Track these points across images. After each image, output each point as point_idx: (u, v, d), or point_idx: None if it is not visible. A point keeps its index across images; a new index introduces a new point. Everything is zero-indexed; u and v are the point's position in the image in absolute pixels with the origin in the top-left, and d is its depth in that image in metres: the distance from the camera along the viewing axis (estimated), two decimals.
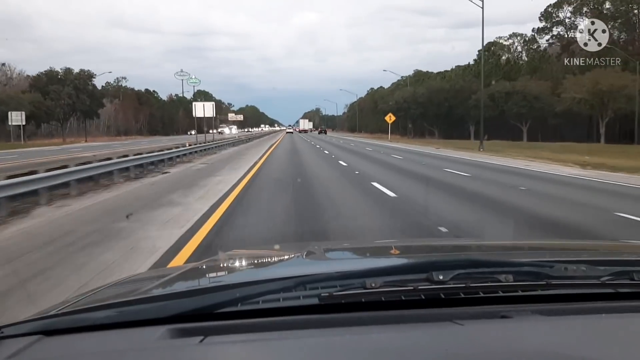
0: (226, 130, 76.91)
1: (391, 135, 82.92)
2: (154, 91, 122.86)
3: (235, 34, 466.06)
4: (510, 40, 73.50)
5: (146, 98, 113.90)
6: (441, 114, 72.00)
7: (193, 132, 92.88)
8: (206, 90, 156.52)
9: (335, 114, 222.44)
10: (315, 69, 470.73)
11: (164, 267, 4.52)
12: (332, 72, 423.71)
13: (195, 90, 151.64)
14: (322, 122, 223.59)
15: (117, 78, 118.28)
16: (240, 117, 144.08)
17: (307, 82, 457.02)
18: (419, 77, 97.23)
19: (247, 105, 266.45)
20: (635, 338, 1.04)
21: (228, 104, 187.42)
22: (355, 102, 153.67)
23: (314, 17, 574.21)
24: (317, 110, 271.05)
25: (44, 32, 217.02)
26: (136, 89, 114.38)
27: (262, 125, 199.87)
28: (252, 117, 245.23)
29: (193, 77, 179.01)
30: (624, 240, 4.73)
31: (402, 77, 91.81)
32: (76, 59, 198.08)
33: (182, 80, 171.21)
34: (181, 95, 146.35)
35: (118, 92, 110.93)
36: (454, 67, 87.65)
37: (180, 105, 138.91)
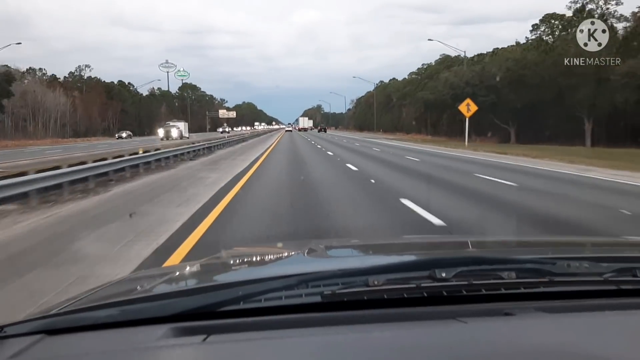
0: (160, 132, 51.79)
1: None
2: (129, 83, 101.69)
3: (236, 32, 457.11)
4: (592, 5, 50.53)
5: (117, 91, 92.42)
6: (534, 103, 42.69)
7: (124, 135, 69.91)
8: (195, 84, 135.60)
9: (337, 112, 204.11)
10: (315, 67, 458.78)
11: (165, 266, 4.39)
12: (332, 71, 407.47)
13: (182, 83, 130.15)
14: (324, 120, 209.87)
15: (79, 66, 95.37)
16: (232, 114, 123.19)
17: (307, 80, 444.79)
18: (447, 63, 75.54)
19: (243, 102, 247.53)
20: (637, 335, 1.04)
21: (221, 99, 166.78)
22: (368, 93, 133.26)
23: (314, 15, 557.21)
24: (319, 108, 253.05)
25: (42, 31, 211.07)
26: (107, 80, 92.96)
27: (257, 124, 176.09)
28: (249, 114, 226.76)
29: (181, 69, 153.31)
30: (627, 236, 4.54)
31: (460, 53, 61.91)
32: (75, 58, 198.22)
33: (167, 72, 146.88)
34: (165, 89, 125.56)
35: (79, 83, 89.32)
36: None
37: (163, 101, 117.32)
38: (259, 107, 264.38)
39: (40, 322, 1.10)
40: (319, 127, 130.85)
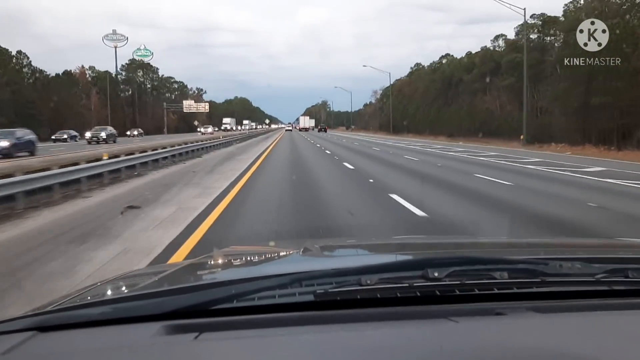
0: None
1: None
2: (18, 52, 61.47)
3: (239, 30, 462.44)
4: None
5: None
6: None
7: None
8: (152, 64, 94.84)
9: (346, 110, 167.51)
10: (319, 66, 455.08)
11: (159, 264, 4.38)
12: (336, 70, 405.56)
13: (129, 61, 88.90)
14: (330, 118, 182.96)
15: None
16: (203, 107, 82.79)
17: (310, 80, 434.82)
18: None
19: (235, 97, 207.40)
20: (629, 335, 1.03)
21: (197, 89, 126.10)
22: (399, 81, 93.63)
23: (320, 13, 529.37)
24: (324, 104, 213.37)
25: (44, 28, 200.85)
26: None
27: (227, 121, 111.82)
28: (242, 111, 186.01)
29: (142, 46, 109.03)
30: (620, 237, 4.45)
31: None
32: (77, 56, 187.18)
33: (115, 47, 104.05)
34: (103, 70, 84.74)
35: None
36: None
37: (93, 86, 75.80)
38: (255, 104, 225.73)
39: (32, 319, 1.09)
40: (319, 127, 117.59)
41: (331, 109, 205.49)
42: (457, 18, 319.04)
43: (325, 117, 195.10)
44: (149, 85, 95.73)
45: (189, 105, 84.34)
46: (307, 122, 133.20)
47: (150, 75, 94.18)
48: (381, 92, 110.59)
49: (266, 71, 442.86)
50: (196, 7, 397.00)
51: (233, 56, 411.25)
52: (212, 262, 1.83)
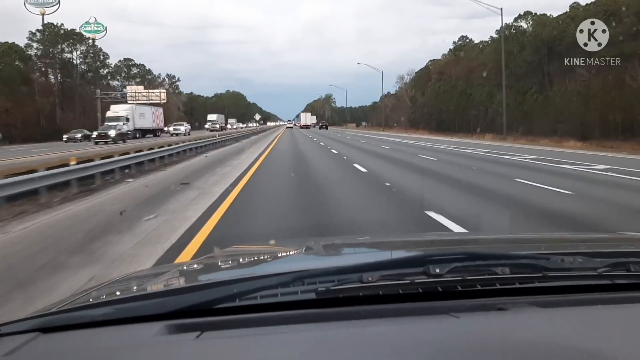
0: None
1: None
2: None
3: (239, 27, 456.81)
4: None
5: None
6: None
7: None
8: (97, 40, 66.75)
9: (354, 105, 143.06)
10: (320, 62, 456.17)
11: (161, 265, 4.53)
12: (337, 66, 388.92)
13: (43, 30, 60.93)
14: (336, 114, 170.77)
15: None
16: (158, 96, 54.91)
17: (312, 76, 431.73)
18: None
19: (227, 91, 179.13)
20: (631, 329, 1.04)
21: (167, 75, 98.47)
22: (433, 63, 66.41)
23: (320, 8, 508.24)
24: (327, 99, 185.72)
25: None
26: None
27: (118, 112, 44.68)
28: (234, 107, 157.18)
29: (92, 18, 75.13)
30: (622, 232, 4.36)
31: None
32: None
33: (43, 15, 72.63)
34: (14, 42, 57.39)
35: None
36: None
37: None
38: (253, 100, 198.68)
39: (35, 320, 1.10)
40: (319, 125, 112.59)
41: (336, 105, 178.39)
42: (462, 12, 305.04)
43: (330, 114, 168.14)
44: (83, 67, 67.35)
45: (135, 93, 56.51)
46: (308, 119, 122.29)
47: (83, 51, 65.47)
48: (411, 77, 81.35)
49: (267, 68, 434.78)
50: (196, 4, 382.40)
51: (233, 53, 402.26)
52: (214, 262, 1.84)
